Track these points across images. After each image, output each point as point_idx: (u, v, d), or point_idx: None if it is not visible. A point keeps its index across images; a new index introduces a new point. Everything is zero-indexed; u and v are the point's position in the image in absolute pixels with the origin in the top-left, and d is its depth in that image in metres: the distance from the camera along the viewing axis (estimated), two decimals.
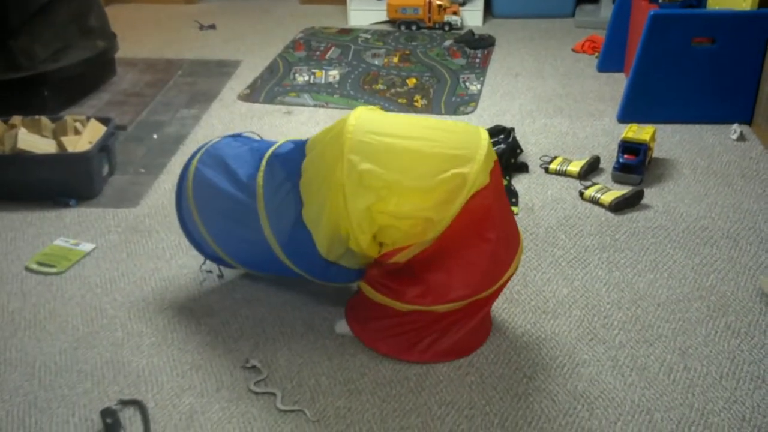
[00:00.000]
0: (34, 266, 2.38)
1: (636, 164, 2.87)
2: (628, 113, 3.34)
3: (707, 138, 3.21)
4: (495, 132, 3.07)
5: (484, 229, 1.86)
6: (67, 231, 2.58)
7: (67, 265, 2.39)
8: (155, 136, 3.30)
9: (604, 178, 2.93)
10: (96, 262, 2.43)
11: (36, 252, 2.46)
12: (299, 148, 2.00)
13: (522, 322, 2.16)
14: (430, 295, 1.89)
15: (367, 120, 1.89)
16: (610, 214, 2.68)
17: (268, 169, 1.99)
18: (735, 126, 3.24)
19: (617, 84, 3.73)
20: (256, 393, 1.91)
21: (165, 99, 3.68)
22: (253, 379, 1.95)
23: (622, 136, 2.94)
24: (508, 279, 1.96)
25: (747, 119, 3.28)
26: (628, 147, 2.89)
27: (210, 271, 2.34)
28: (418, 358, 1.99)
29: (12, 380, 1.96)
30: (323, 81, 3.89)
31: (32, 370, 1.99)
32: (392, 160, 1.82)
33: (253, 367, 1.98)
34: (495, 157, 1.91)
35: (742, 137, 3.19)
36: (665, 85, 3.27)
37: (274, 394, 1.90)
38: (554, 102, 3.60)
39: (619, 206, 2.69)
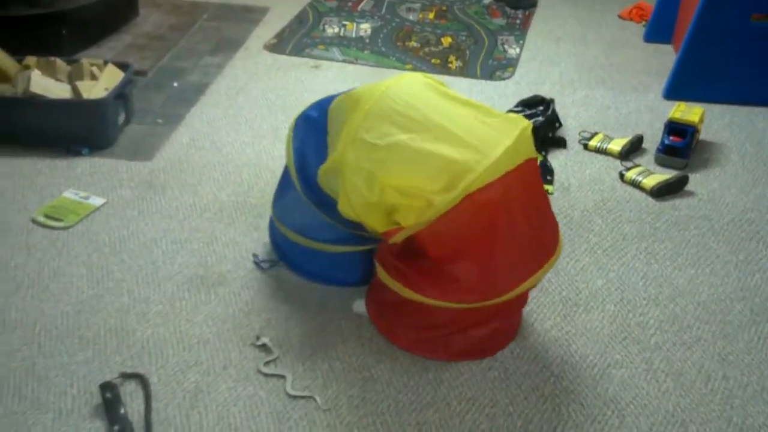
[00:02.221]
0: (41, 219, 2.27)
1: (682, 147, 2.70)
2: (676, 90, 3.15)
3: (758, 122, 3.02)
4: (533, 102, 2.89)
5: (498, 230, 1.70)
6: (78, 182, 2.46)
7: (75, 220, 2.27)
8: (176, 84, 3.15)
9: (647, 160, 2.75)
10: (105, 218, 2.31)
11: (44, 203, 2.35)
12: (320, 107, 1.95)
13: (551, 314, 2.03)
14: (441, 289, 1.74)
15: (404, 86, 1.80)
16: (651, 200, 2.52)
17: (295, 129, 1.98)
18: None
19: (664, 57, 3.51)
20: (266, 375, 1.80)
21: (188, 44, 3.52)
22: (263, 358, 1.84)
23: (669, 115, 2.75)
24: (534, 284, 1.81)
25: None
26: (674, 128, 2.71)
27: (261, 262, 2.16)
28: (435, 355, 1.86)
29: (10, 343, 1.86)
30: (354, 34, 3.70)
31: (32, 334, 1.89)
32: (411, 128, 1.73)
33: (264, 345, 1.87)
34: (532, 154, 1.75)
35: None
36: (718, 63, 3.07)
37: (284, 377, 1.79)
38: (596, 72, 3.40)
39: (662, 192, 2.53)
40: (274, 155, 2.67)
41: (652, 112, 3.07)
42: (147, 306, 1.99)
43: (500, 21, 3.93)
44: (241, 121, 2.90)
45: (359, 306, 1.98)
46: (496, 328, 1.88)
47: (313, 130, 1.94)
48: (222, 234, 2.26)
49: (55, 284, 2.05)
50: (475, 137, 1.71)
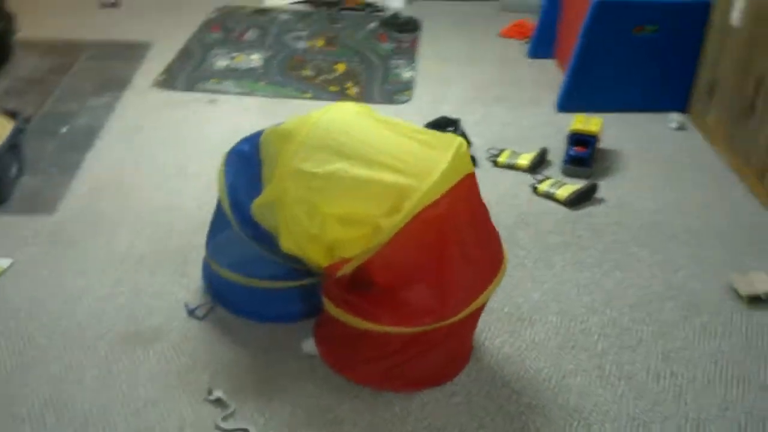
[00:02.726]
0: None
1: (586, 157, 2.81)
2: (569, 102, 3.27)
3: (647, 127, 3.18)
4: (442, 123, 2.93)
5: (447, 248, 1.71)
6: None
7: None
8: (64, 130, 2.97)
9: (554, 171, 2.84)
10: (15, 280, 2.13)
11: None
12: (251, 141, 1.93)
13: (499, 332, 2.04)
14: (396, 315, 1.72)
15: (334, 116, 1.80)
16: (566, 210, 2.60)
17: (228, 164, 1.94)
18: (673, 115, 3.23)
19: (550, 71, 3.66)
20: (226, 430, 1.70)
21: (71, 86, 3.33)
22: (219, 413, 1.74)
23: (571, 127, 2.86)
24: (485, 300, 1.82)
25: (682, 107, 3.28)
26: (577, 139, 2.81)
27: (195, 310, 2.05)
28: (395, 387, 1.82)
29: None
30: (245, 66, 3.63)
31: None
32: (348, 154, 1.72)
33: (218, 399, 1.77)
34: (470, 170, 1.76)
35: (681, 126, 3.18)
36: (605, 74, 3.22)
37: (246, 431, 1.69)
38: (491, 90, 3.49)
39: (575, 201, 2.62)
40: (186, 195, 2.56)
41: (549, 125, 3.18)
42: (81, 372, 1.84)
43: (388, 45, 3.97)
44: (143, 162, 2.76)
45: (308, 346, 1.92)
46: (452, 351, 1.87)
47: (245, 164, 1.89)
48: (147, 284, 2.14)
49: None
50: (413, 158, 1.71)
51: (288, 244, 1.72)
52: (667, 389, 1.88)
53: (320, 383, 1.84)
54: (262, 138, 1.88)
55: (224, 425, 1.70)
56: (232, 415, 1.74)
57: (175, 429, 1.70)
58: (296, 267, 1.86)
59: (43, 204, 2.48)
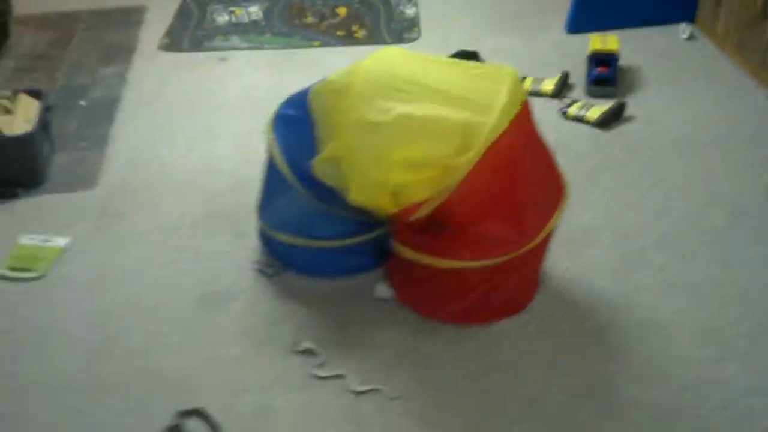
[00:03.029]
0: (8, 273, 2.06)
1: (610, 76, 2.83)
2: (578, 23, 3.28)
3: (659, 41, 3.20)
4: (462, 56, 2.92)
5: (517, 176, 1.75)
6: (29, 226, 2.25)
7: (46, 266, 2.09)
8: (83, 103, 2.93)
9: (578, 93, 2.87)
10: (77, 257, 2.14)
11: (1, 256, 2.13)
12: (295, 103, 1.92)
13: (559, 257, 2.08)
14: (476, 249, 1.76)
15: (385, 61, 1.79)
16: (597, 131, 2.64)
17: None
18: (683, 26, 3.25)
19: None
20: (322, 377, 1.75)
21: (77, 59, 3.27)
22: (311, 363, 1.78)
23: (591, 48, 2.88)
24: (555, 224, 1.86)
25: (691, 17, 3.29)
26: (599, 59, 2.83)
27: (264, 269, 2.06)
28: (476, 320, 1.88)
29: (31, 415, 1.69)
30: (246, 19, 3.58)
31: (53, 394, 1.73)
32: (409, 98, 1.72)
33: (307, 350, 1.81)
34: (525, 98, 1.79)
35: (692, 36, 3.21)
36: None
37: (342, 376, 1.75)
38: (497, 20, 3.48)
39: (606, 122, 2.65)
40: (219, 157, 2.56)
41: (563, 48, 3.19)
42: (166, 339, 1.87)
43: None
44: (171, 128, 2.75)
45: (380, 290, 1.96)
46: (526, 279, 1.92)
47: (296, 127, 1.88)
48: (207, 248, 2.16)
49: (53, 339, 1.88)
50: (472, 92, 1.73)
51: (357, 196, 1.74)
52: (731, 295, 1.95)
53: (400, 326, 1.89)
54: (310, 97, 1.87)
55: (319, 372, 1.75)
56: (323, 363, 1.78)
57: (269, 381, 1.75)
58: (363, 220, 1.88)
59: (82, 180, 2.47)
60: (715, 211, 2.23)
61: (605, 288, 1.98)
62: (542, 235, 1.80)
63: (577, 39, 3.22)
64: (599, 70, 2.83)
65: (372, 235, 1.94)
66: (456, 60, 1.86)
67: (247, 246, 2.15)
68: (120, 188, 2.42)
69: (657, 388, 1.71)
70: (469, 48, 3.05)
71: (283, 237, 1.98)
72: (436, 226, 1.77)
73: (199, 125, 2.76)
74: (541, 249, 1.90)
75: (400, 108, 1.70)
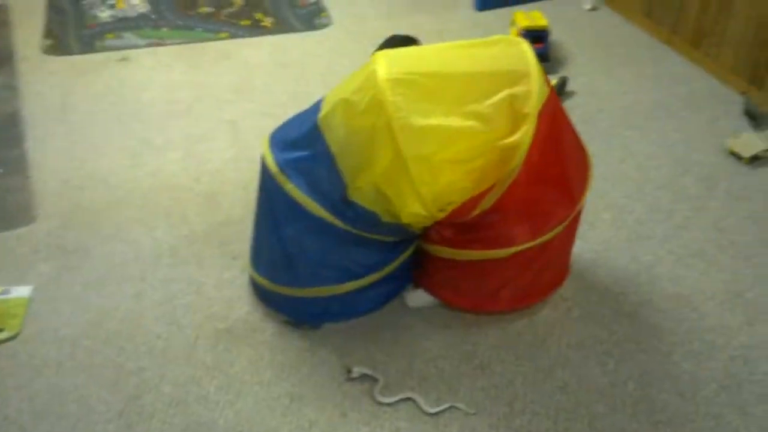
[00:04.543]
0: None
1: (544, 52, 2.86)
2: (487, 1, 3.28)
3: (566, 14, 3.28)
4: (398, 42, 2.82)
5: (564, 141, 1.72)
6: None
7: (19, 323, 1.78)
8: None
9: None
10: (50, 306, 1.84)
11: None
12: (306, 137, 1.69)
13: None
14: (534, 228, 1.70)
15: (396, 62, 1.62)
16: None
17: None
18: None
19: None
20: (389, 404, 1.63)
21: None
22: (372, 389, 1.66)
23: (521, 25, 2.88)
24: (589, 189, 1.83)
25: None
26: (533, 35, 2.84)
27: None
28: (533, 299, 1.85)
29: None
30: (133, 13, 3.25)
31: None
32: (442, 93, 1.59)
33: (364, 375, 1.68)
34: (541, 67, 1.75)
35: (594, 7, 3.32)
36: None
37: (410, 399, 1.64)
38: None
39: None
40: (171, 169, 2.32)
41: (478, 26, 3.19)
42: (198, 387, 1.66)
43: None
44: (99, 142, 2.44)
45: (417, 299, 1.86)
46: (567, 250, 1.90)
47: (309, 166, 1.68)
48: (203, 277, 1.94)
49: (67, 408, 1.60)
50: (500, 65, 1.64)
51: (416, 208, 1.59)
52: (736, 256, 2.04)
53: (448, 330, 1.81)
54: (322, 130, 1.65)
55: (384, 399, 1.63)
56: (385, 387, 1.66)
57: (337, 416, 1.61)
58: (402, 238, 1.75)
59: (15, 214, 2.13)
60: (688, 178, 2.33)
61: (624, 266, 2.01)
62: (584, 199, 1.77)
63: (490, 15, 3.25)
64: (535, 47, 2.83)
65: (407, 253, 1.81)
66: (453, 42, 1.76)
67: (243, 267, 1.95)
68: (68, 218, 2.12)
69: (708, 360, 1.75)
70: (391, 32, 2.94)
71: (324, 290, 1.77)
72: (482, 218, 1.68)
73: (131, 135, 2.47)
74: (579, 215, 1.86)
75: (442, 106, 1.59)
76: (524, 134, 1.56)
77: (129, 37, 3.06)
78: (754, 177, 2.33)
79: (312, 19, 3.23)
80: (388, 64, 1.60)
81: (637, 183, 2.30)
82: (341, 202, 1.64)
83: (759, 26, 2.60)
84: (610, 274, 1.98)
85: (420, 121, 1.56)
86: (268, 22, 3.20)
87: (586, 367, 1.73)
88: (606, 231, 2.12)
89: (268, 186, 1.75)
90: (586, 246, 2.06)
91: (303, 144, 1.68)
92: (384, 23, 3.18)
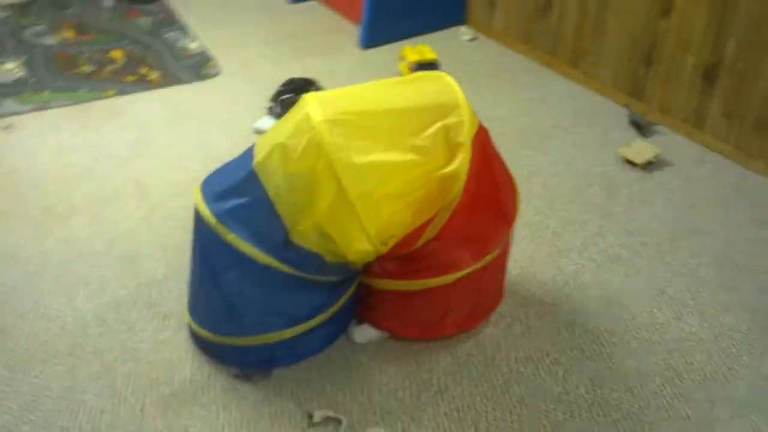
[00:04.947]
0: None
1: None
2: (371, 38, 3.37)
3: (446, 45, 3.40)
4: (297, 87, 2.83)
5: (494, 164, 1.78)
6: None
7: None
8: None
9: None
10: None
11: None
12: (242, 185, 1.66)
13: None
14: (476, 250, 1.75)
15: (328, 104, 1.62)
16: None
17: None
18: (462, 28, 3.50)
19: (319, 13, 3.71)
20: None
21: None
22: (338, 431, 1.63)
23: (411, 59, 2.98)
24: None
25: (463, 19, 3.56)
26: (425, 68, 2.92)
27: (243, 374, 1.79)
28: (481, 318, 1.89)
29: None
30: (7, 79, 3.09)
31: None
32: (378, 130, 1.62)
33: (327, 418, 1.65)
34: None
35: (473, 38, 3.47)
36: (397, 4, 3.36)
37: None
38: (287, 43, 3.45)
39: None
40: (77, 235, 2.22)
41: (368, 64, 3.26)
42: None
43: (146, 20, 3.64)
44: (13, 215, 2.30)
45: (363, 334, 1.86)
46: (504, 267, 1.94)
47: (246, 214, 1.65)
48: (137, 342, 1.85)
49: None
50: (427, 98, 1.68)
51: (362, 245, 1.60)
52: (651, 257, 2.17)
53: (400, 362, 1.81)
54: (259, 176, 1.63)
55: None
56: (350, 426, 1.64)
57: None
58: (344, 277, 1.74)
59: None
60: (591, 189, 2.46)
61: (551, 278, 2.09)
62: (518, 212, 1.84)
63: (376, 52, 3.33)
64: None
65: (351, 290, 1.81)
66: (377, 81, 1.80)
67: (178, 326, 1.89)
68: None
69: (648, 355, 1.85)
70: (273, 76, 2.96)
71: (271, 337, 1.73)
72: (425, 248, 1.71)
73: (31, 205, 2.35)
74: (511, 233, 1.91)
75: (380, 142, 1.60)
76: (461, 163, 1.61)
77: (9, 104, 2.91)
78: (650, 181, 2.49)
79: (199, 69, 3.19)
80: (321, 106, 1.60)
81: (546, 200, 2.40)
82: (284, 247, 1.62)
83: (632, 42, 2.80)
84: (540, 288, 2.05)
85: (361, 158, 1.57)
86: (154, 75, 3.13)
87: (539, 379, 1.78)
88: (527, 247, 2.20)
89: (203, 237, 1.70)
90: (512, 263, 2.12)
91: (239, 191, 1.65)
92: (273, 68, 3.19)
